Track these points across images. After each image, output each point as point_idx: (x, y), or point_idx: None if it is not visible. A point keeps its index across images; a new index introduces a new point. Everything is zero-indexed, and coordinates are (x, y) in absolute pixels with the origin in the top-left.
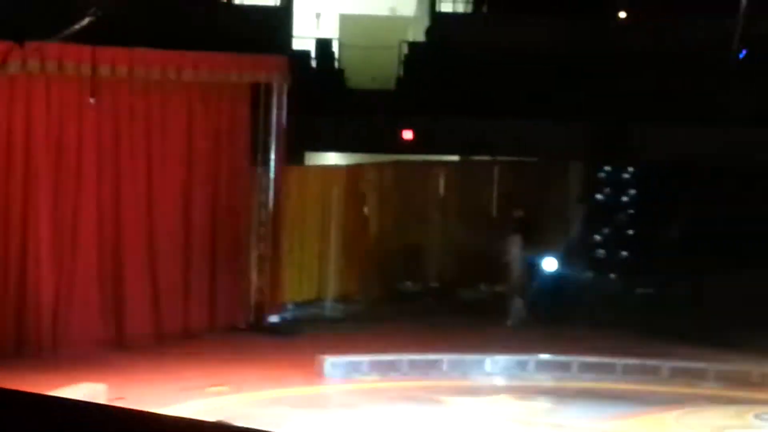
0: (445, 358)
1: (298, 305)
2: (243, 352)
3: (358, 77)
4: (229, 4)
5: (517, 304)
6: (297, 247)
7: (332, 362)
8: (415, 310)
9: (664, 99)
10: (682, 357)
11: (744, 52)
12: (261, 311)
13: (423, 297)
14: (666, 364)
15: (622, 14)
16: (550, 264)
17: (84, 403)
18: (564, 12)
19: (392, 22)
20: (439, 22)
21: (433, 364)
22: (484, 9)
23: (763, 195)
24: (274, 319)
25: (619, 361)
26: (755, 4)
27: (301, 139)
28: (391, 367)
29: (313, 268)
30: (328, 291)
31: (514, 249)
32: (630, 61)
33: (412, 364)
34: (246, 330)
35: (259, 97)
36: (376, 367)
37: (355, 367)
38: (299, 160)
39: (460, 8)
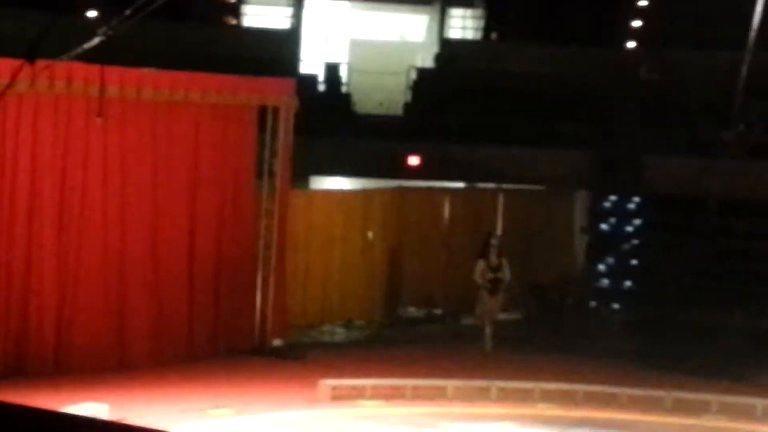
0: (449, 384)
1: (302, 329)
2: (246, 374)
3: (365, 102)
4: (238, 26)
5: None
6: (301, 270)
7: (335, 386)
8: (419, 336)
9: (671, 130)
10: (686, 388)
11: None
12: (264, 334)
13: (426, 323)
14: (670, 395)
15: (631, 44)
16: None
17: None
18: (572, 41)
19: (401, 47)
20: (447, 48)
21: (437, 390)
22: (493, 36)
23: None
24: (277, 342)
25: (623, 391)
26: (763, 38)
27: (307, 163)
28: (394, 392)
29: (317, 292)
30: (332, 315)
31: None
32: (638, 91)
33: (416, 390)
34: (249, 353)
35: (265, 119)
36: (378, 392)
37: (357, 392)
38: (304, 183)
39: (469, 35)
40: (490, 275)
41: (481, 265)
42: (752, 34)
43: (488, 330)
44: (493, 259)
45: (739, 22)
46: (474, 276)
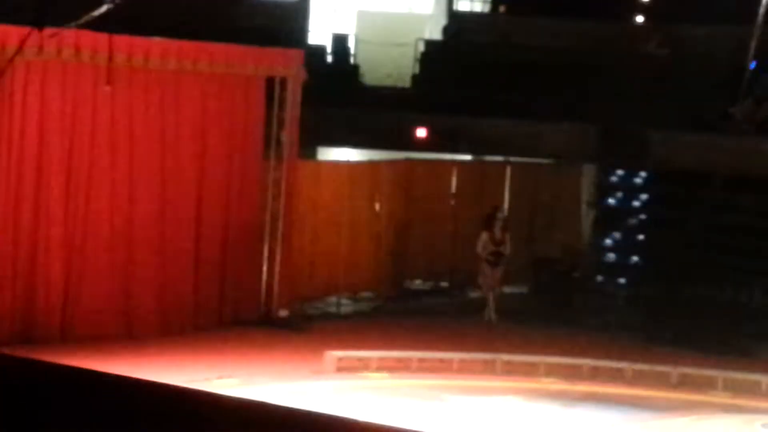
0: (455, 356)
1: (308, 300)
2: (251, 345)
3: (373, 74)
4: None
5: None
6: (308, 241)
7: (340, 357)
8: (425, 309)
9: (679, 105)
10: (692, 364)
11: (754, 63)
12: (270, 305)
13: (433, 295)
14: (675, 371)
15: (640, 18)
16: None
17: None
18: (581, 14)
19: (409, 19)
20: (455, 21)
21: (443, 363)
22: (501, 9)
23: None
24: (283, 313)
25: (629, 366)
26: None
27: (315, 134)
28: (400, 364)
29: (323, 263)
30: (338, 287)
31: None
32: (646, 66)
33: (421, 362)
34: (255, 324)
35: (273, 90)
36: (384, 363)
37: (363, 364)
38: (312, 154)
39: (478, 7)
40: (492, 248)
41: (484, 237)
42: (762, 8)
43: (490, 302)
44: (497, 232)
45: None
46: (477, 248)
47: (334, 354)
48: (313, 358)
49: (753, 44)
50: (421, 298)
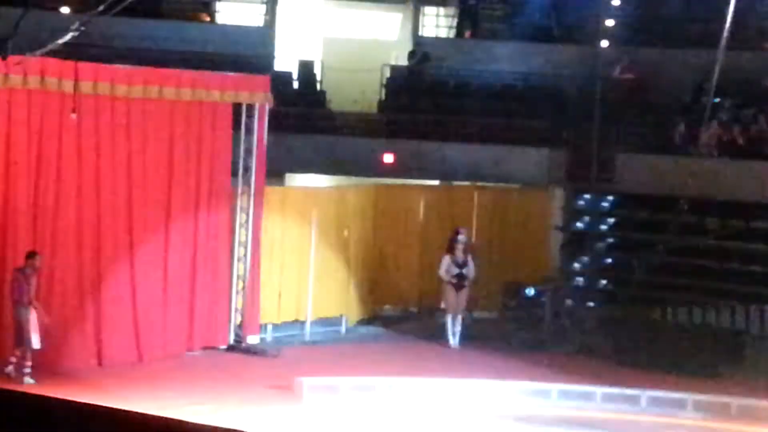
0: (425, 381)
1: (277, 326)
2: (222, 372)
3: (339, 99)
4: (213, 22)
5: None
6: (276, 268)
7: (310, 384)
8: (394, 334)
9: (645, 128)
10: (661, 386)
11: (715, 100)
12: (240, 331)
13: (402, 320)
14: (645, 393)
15: (605, 43)
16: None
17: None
18: (546, 40)
19: (375, 45)
20: (421, 46)
21: (413, 387)
22: (467, 34)
23: (742, 229)
24: (253, 339)
25: (599, 389)
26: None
27: (282, 160)
28: (369, 390)
29: (292, 289)
30: (308, 313)
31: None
32: (612, 90)
33: (391, 387)
34: (224, 350)
35: (240, 116)
36: (354, 389)
37: (333, 390)
38: (279, 180)
39: (443, 33)
40: (455, 271)
41: (446, 260)
42: (725, 33)
43: (451, 325)
44: (459, 255)
45: (711, 20)
46: (439, 271)
47: (304, 380)
48: (283, 385)
49: (717, 68)
50: (390, 322)
